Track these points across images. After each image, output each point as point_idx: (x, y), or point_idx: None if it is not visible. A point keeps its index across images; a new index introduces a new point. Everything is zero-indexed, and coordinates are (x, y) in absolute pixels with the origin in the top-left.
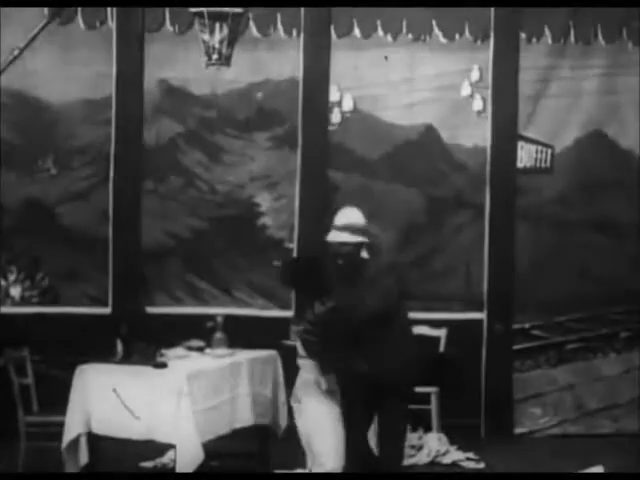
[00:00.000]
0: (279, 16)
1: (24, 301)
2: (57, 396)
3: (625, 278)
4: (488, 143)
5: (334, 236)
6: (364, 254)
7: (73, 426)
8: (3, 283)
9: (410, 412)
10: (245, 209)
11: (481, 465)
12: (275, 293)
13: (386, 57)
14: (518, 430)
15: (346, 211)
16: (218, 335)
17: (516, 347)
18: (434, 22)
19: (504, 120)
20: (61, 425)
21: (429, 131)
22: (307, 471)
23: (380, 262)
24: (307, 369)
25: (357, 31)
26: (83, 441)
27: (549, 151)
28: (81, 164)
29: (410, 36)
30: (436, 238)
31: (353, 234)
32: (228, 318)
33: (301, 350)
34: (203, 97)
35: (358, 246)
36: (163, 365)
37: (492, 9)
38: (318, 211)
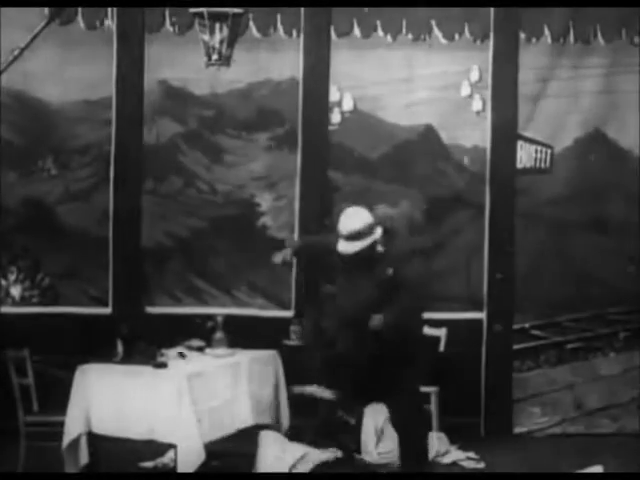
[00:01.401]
0: (279, 16)
1: (24, 301)
2: (57, 396)
3: (625, 278)
4: (488, 143)
5: (345, 247)
6: (379, 248)
7: (73, 426)
8: (3, 283)
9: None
10: (245, 209)
11: (481, 465)
12: (275, 293)
13: None
14: (518, 430)
15: (347, 216)
16: (218, 335)
17: (516, 347)
18: (434, 22)
19: (504, 120)
20: (61, 425)
21: (429, 131)
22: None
23: (396, 254)
24: None
25: (357, 31)
26: (83, 441)
27: (549, 151)
28: (81, 164)
29: (410, 36)
30: (436, 238)
31: (362, 239)
32: (228, 318)
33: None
34: (203, 97)
35: (371, 247)
36: (163, 365)
37: (492, 9)
38: (318, 211)
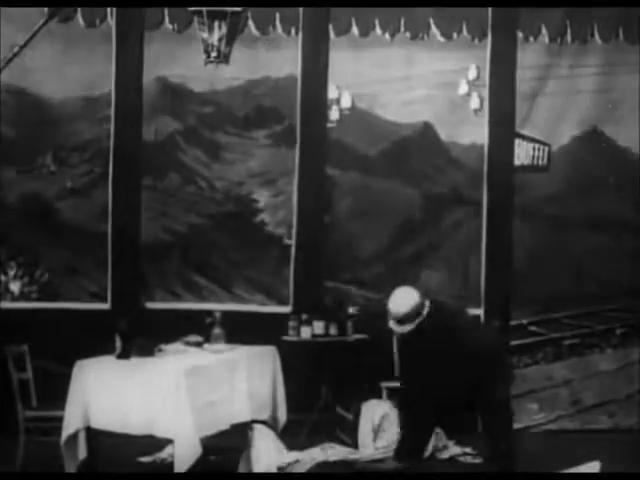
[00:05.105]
0: (278, 14)
1: (23, 297)
2: (56, 391)
3: (621, 274)
4: (485, 141)
5: (395, 328)
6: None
7: (72, 421)
8: (3, 278)
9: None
10: (244, 206)
11: (478, 460)
12: (273, 289)
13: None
14: (515, 425)
15: (397, 297)
16: (216, 331)
17: (513, 343)
18: (432, 21)
19: (501, 118)
20: (60, 420)
21: (427, 129)
22: None
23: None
24: None
25: (355, 29)
26: (82, 436)
27: (546, 149)
28: (80, 161)
29: (408, 35)
30: (433, 235)
31: (410, 322)
32: (226, 314)
33: None
34: (202, 94)
35: (419, 328)
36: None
37: (489, 8)
38: (316, 208)
